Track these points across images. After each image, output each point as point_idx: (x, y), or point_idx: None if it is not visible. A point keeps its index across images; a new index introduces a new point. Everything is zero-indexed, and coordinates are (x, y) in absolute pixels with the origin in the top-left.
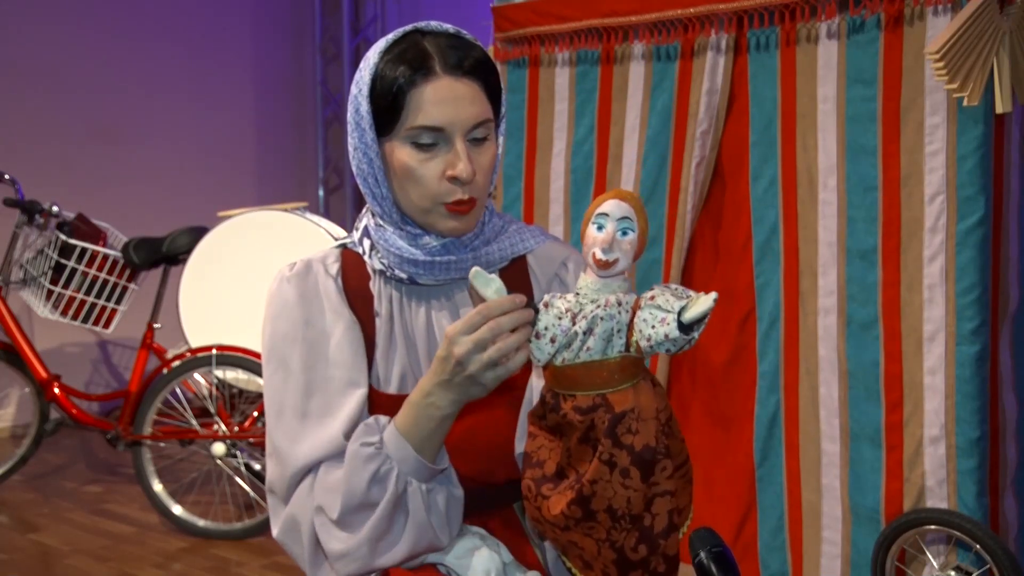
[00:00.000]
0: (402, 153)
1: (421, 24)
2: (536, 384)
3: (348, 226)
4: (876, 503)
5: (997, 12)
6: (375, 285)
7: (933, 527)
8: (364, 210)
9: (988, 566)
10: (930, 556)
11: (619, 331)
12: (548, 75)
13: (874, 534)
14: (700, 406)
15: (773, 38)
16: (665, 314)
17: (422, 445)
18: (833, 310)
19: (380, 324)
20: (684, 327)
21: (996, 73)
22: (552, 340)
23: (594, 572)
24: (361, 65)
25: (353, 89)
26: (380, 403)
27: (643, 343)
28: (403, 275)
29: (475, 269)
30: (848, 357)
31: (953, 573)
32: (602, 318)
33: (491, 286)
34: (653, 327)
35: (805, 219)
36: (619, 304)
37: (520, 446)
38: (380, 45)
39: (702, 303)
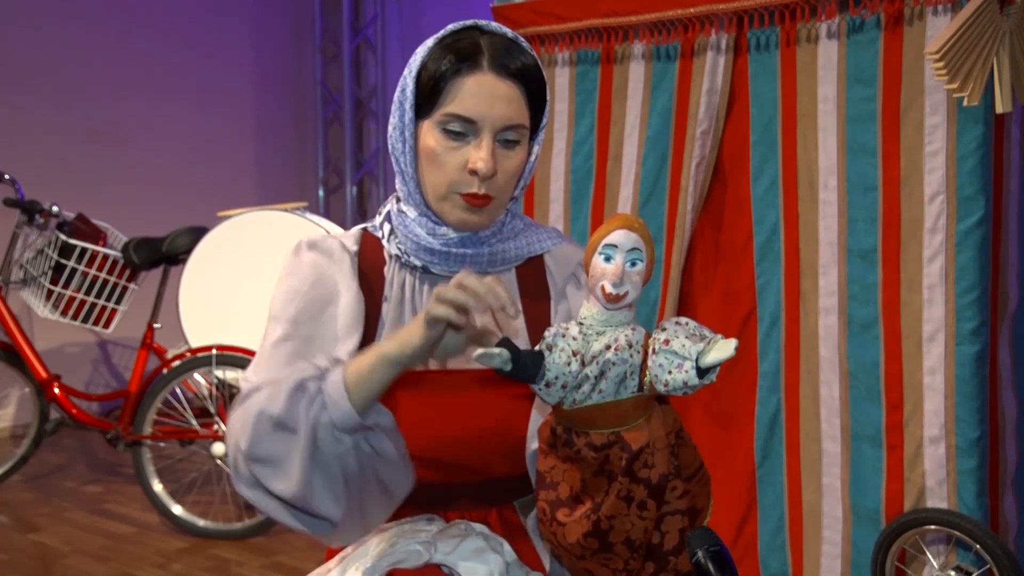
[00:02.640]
0: (432, 136)
1: (483, 22)
2: None
3: (348, 226)
4: (876, 503)
5: (997, 12)
6: (389, 270)
7: (933, 527)
8: (391, 196)
9: (988, 566)
10: (930, 556)
11: (632, 373)
12: (548, 75)
13: (874, 534)
14: (700, 406)
15: (773, 38)
16: (682, 360)
17: (352, 379)
18: (834, 310)
19: (388, 308)
20: (701, 371)
21: (996, 73)
22: (564, 386)
23: None
24: (418, 49)
25: (404, 71)
26: None
27: (659, 387)
28: (418, 263)
29: (478, 351)
30: (849, 357)
31: (953, 573)
32: (614, 363)
33: (495, 361)
34: (670, 373)
35: (806, 219)
36: (630, 346)
37: (533, 444)
38: (439, 33)
39: (721, 350)
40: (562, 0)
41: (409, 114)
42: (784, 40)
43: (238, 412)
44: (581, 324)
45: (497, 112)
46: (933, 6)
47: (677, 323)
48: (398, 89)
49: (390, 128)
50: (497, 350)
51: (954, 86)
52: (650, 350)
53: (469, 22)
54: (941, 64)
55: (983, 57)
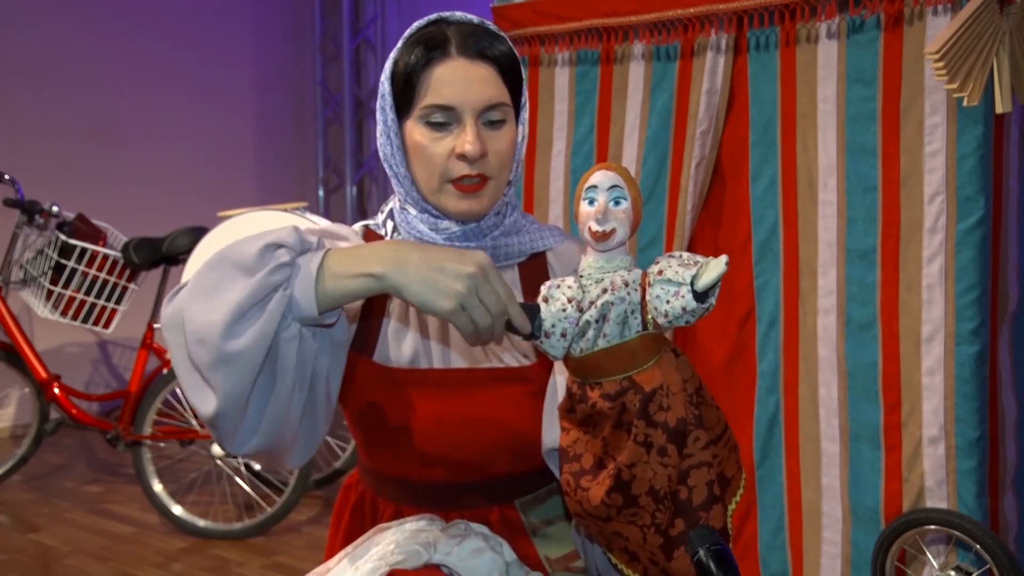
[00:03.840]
0: (416, 132)
1: (447, 13)
2: (559, 377)
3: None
4: (876, 503)
5: (997, 12)
6: None
7: (933, 527)
8: (393, 195)
9: (988, 566)
10: (930, 556)
11: (632, 312)
12: (548, 75)
13: (874, 534)
14: None
15: (773, 38)
16: (678, 287)
17: (330, 273)
18: (832, 310)
19: (393, 305)
20: (699, 295)
21: (996, 73)
22: (563, 335)
23: (640, 563)
24: (391, 53)
25: (381, 76)
26: (389, 377)
27: (660, 319)
28: None
29: None
30: (847, 357)
31: (953, 573)
32: (613, 303)
33: None
34: (668, 302)
35: (805, 219)
36: (626, 285)
37: (548, 440)
38: (406, 32)
39: (713, 268)
40: (562, 0)
41: (391, 115)
42: (784, 40)
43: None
44: (580, 277)
45: (474, 94)
46: (933, 6)
47: (670, 256)
48: (378, 95)
49: (377, 135)
50: None
51: (954, 86)
52: (647, 284)
53: (433, 16)
54: (941, 64)
55: (983, 57)
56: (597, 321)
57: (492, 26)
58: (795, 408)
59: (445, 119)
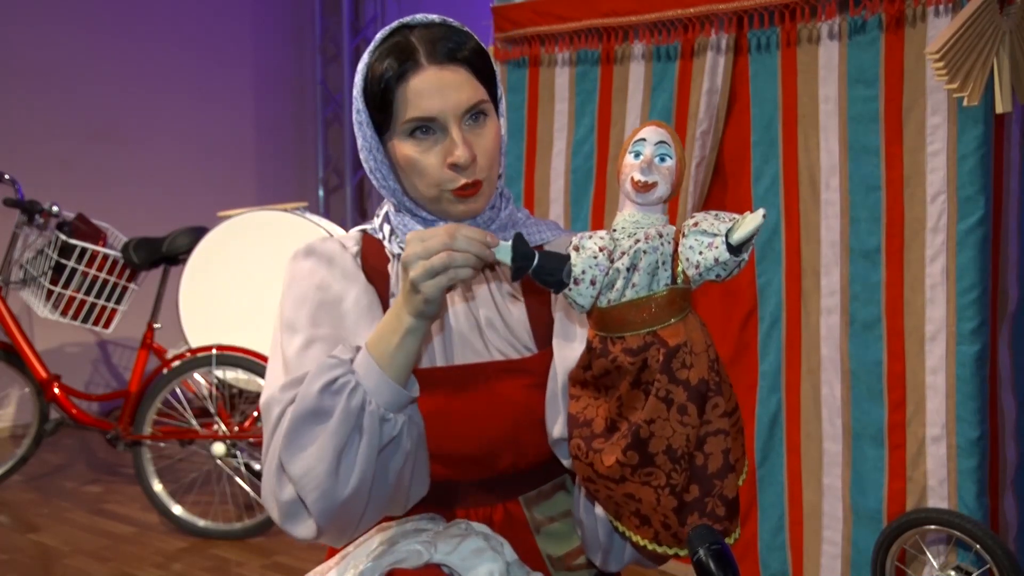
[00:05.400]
0: (403, 147)
1: (407, 19)
2: (559, 368)
3: (348, 226)
4: (879, 503)
5: (997, 12)
6: (393, 268)
7: (933, 527)
8: (386, 200)
9: (988, 566)
10: (930, 556)
11: (663, 263)
12: (548, 75)
13: (875, 534)
14: None
15: (774, 38)
16: (712, 238)
17: (385, 360)
18: (836, 309)
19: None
20: (733, 249)
21: (996, 73)
22: (592, 282)
23: (651, 527)
24: (358, 65)
25: (353, 90)
26: None
27: (691, 271)
28: None
29: (494, 248)
30: (851, 356)
31: (953, 573)
32: (645, 251)
33: (509, 255)
34: (701, 253)
35: (807, 219)
36: (660, 236)
37: (556, 431)
38: (371, 46)
39: (750, 221)
40: (562, 0)
41: (370, 132)
42: (784, 40)
43: (279, 431)
44: (613, 231)
45: (452, 100)
46: (934, 6)
47: (707, 212)
48: (353, 111)
49: (359, 149)
50: (507, 243)
51: (954, 86)
52: (680, 236)
53: (395, 24)
54: (941, 64)
55: (983, 57)
56: (628, 270)
57: (454, 23)
58: (797, 408)
59: (429, 130)
